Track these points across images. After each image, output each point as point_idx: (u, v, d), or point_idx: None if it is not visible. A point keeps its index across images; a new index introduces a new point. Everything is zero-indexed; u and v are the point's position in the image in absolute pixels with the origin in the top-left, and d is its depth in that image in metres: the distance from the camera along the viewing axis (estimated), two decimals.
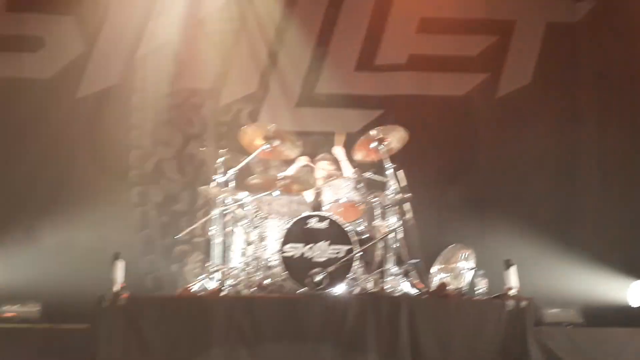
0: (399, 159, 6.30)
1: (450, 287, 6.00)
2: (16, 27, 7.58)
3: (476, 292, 6.06)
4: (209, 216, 6.40)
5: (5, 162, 7.32)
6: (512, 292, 5.84)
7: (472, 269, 6.11)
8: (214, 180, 6.29)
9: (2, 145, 7.35)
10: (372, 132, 6.22)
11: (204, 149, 7.20)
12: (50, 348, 5.53)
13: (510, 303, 5.49)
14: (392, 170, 6.10)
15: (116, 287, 5.45)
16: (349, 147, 6.71)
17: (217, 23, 7.81)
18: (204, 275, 6.07)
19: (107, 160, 7.61)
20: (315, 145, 7.39)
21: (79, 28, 7.66)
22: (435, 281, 6.18)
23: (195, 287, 5.95)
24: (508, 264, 6.03)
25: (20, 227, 7.22)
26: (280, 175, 6.25)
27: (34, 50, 7.61)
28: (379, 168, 6.25)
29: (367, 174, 6.27)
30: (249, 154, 6.38)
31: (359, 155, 6.44)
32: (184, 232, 6.78)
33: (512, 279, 5.98)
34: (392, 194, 6.09)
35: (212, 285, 5.92)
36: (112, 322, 5.18)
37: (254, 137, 6.35)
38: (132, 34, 7.72)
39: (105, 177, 7.54)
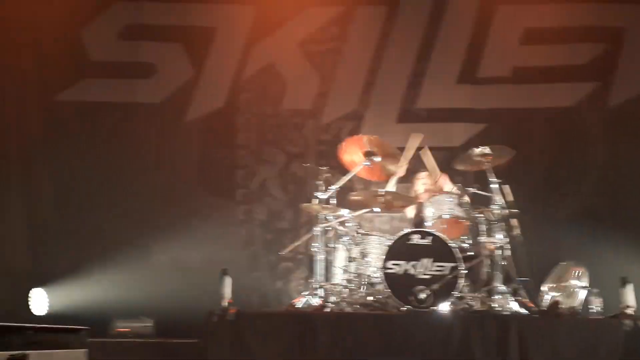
0: (505, 173, 6.14)
1: (563, 306, 5.75)
2: (130, 55, 8.00)
3: (590, 312, 5.79)
4: (311, 233, 6.47)
5: (119, 184, 7.70)
6: (629, 311, 5.55)
7: (585, 287, 5.83)
8: (316, 197, 6.36)
9: (116, 168, 7.74)
10: (476, 150, 6.09)
11: (307, 165, 7.30)
12: None
13: (628, 323, 5.20)
14: (497, 184, 5.95)
15: (224, 303, 5.60)
16: (451, 161, 6.61)
17: (317, 43, 7.93)
18: (307, 292, 6.12)
19: (215, 180, 7.88)
20: (417, 161, 7.31)
21: (187, 54, 7.99)
22: (545, 300, 5.94)
23: (299, 304, 6.01)
24: (624, 282, 5.74)
25: (134, 246, 7.56)
26: (381, 191, 6.22)
27: (146, 76, 8.00)
28: (483, 182, 6.11)
29: (471, 189, 6.14)
30: (349, 172, 6.41)
31: (460, 167, 6.34)
32: (287, 249, 6.89)
33: (629, 297, 5.68)
34: (498, 209, 5.93)
35: (315, 301, 5.96)
36: (221, 337, 5.32)
37: (353, 153, 6.38)
38: (236, 57, 7.97)
39: (212, 196, 7.80)
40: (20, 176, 7.73)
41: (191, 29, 7.99)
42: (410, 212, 6.58)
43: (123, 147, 7.75)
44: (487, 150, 6.07)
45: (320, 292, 6.04)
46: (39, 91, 7.90)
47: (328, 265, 6.23)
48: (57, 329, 3.15)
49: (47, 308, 7.12)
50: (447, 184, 6.57)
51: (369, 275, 5.96)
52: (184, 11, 7.99)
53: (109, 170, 7.70)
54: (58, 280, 7.23)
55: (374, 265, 5.97)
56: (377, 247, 6.07)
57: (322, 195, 6.30)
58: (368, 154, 6.31)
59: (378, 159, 6.34)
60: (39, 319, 6.86)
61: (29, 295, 7.14)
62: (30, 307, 7.08)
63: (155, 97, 7.97)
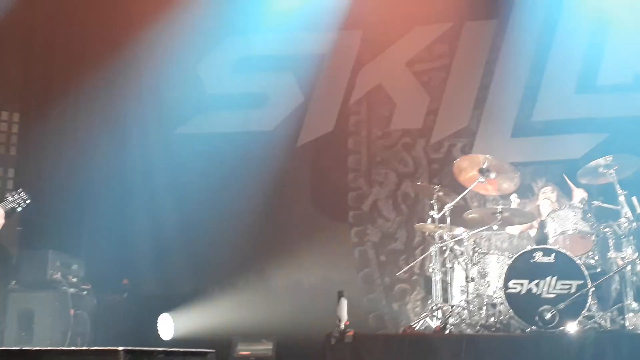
0: (632, 184, 5.79)
1: None
2: (242, 86, 8.28)
3: None
4: (426, 253, 6.36)
5: (236, 211, 7.92)
6: None
7: None
8: (430, 217, 6.26)
9: (233, 195, 7.97)
10: (600, 161, 5.80)
11: (420, 183, 7.20)
12: None
13: None
14: (624, 196, 5.62)
15: (342, 325, 5.60)
16: (571, 175, 6.32)
17: (425, 62, 7.88)
18: (425, 314, 6.01)
19: (327, 203, 7.94)
20: (534, 175, 7.06)
21: (297, 81, 8.16)
22: None
23: (417, 326, 5.91)
24: None
25: (252, 270, 7.73)
26: (499, 208, 6.03)
27: (258, 106, 8.24)
28: (608, 195, 5.79)
29: (597, 202, 5.83)
30: (463, 190, 6.27)
31: (584, 180, 6.04)
32: (403, 270, 6.80)
33: None
34: (626, 222, 5.60)
35: (434, 323, 5.84)
36: (340, 358, 5.31)
37: (468, 171, 6.24)
38: (344, 81, 8.06)
39: (325, 219, 7.86)
40: (146, 206, 8.12)
41: (300, 57, 8.16)
42: (532, 227, 6.33)
43: (238, 174, 7.97)
44: (611, 160, 5.76)
45: (439, 313, 5.91)
46: (159, 126, 8.32)
47: (445, 286, 6.10)
48: (186, 352, 3.25)
49: (173, 333, 7.37)
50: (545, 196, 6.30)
51: (489, 296, 5.77)
52: (293, 40, 8.18)
53: (227, 198, 7.94)
54: (182, 305, 7.49)
55: (494, 285, 5.78)
56: (496, 267, 5.89)
57: (436, 215, 6.19)
58: (483, 171, 6.15)
59: (493, 175, 6.16)
60: (166, 343, 7.12)
61: (157, 320, 7.42)
62: (158, 331, 7.36)
63: (267, 125, 8.17)
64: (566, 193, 6.40)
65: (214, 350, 3.49)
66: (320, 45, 8.10)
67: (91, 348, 3.06)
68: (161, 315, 7.37)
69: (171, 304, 7.46)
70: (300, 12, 7.90)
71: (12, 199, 4.52)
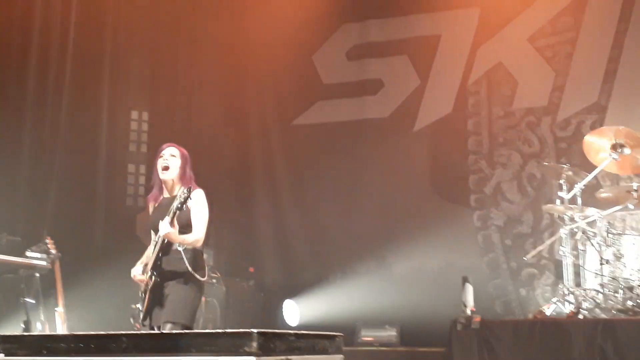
0: None
1: None
2: (358, 74, 8.28)
3: None
4: (556, 236, 6.08)
5: (356, 198, 7.95)
6: None
7: None
8: (559, 197, 5.97)
9: (352, 183, 8.00)
10: None
11: (547, 164, 6.89)
12: None
13: None
14: None
15: (468, 311, 5.47)
16: None
17: (548, 36, 7.51)
18: (556, 299, 5.74)
19: (447, 187, 7.79)
20: None
21: (413, 65, 8.06)
22: None
23: (548, 311, 5.66)
24: None
25: (373, 257, 7.73)
26: (635, 186, 5.64)
27: (374, 92, 8.21)
28: None
29: None
30: (593, 169, 5.92)
31: None
32: (531, 254, 6.53)
33: None
34: None
35: (566, 308, 5.57)
36: (467, 345, 5.20)
37: (599, 148, 5.88)
38: (461, 61, 7.85)
39: (446, 203, 7.71)
40: (268, 197, 8.32)
41: (415, 40, 8.05)
42: None
43: (357, 163, 8.00)
44: None
45: (571, 298, 5.63)
46: (277, 117, 8.50)
47: (577, 270, 5.81)
48: (316, 335, 3.30)
49: (299, 318, 7.52)
50: None
51: (625, 278, 5.43)
52: (407, 24, 8.10)
53: (346, 187, 7.99)
54: (306, 292, 7.62)
55: (630, 267, 5.44)
56: (632, 248, 5.53)
57: (565, 195, 5.89)
58: (616, 147, 5.77)
59: (628, 151, 5.77)
60: (293, 329, 7.27)
61: (282, 307, 7.60)
62: (284, 318, 7.54)
63: (383, 112, 8.13)
64: None
65: (342, 334, 3.53)
66: (435, 26, 7.95)
67: (227, 330, 3.17)
68: (286, 301, 7.54)
69: (295, 291, 7.61)
70: None
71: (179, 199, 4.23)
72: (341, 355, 3.46)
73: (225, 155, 8.63)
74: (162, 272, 4.34)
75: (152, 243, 4.48)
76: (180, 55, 8.66)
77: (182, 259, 4.29)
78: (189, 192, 4.20)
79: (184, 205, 4.23)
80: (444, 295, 6.43)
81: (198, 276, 4.36)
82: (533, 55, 7.56)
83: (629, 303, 5.29)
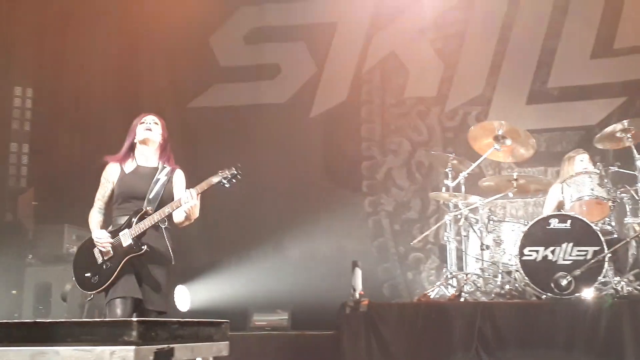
0: None
1: None
2: (255, 58, 8.22)
3: None
4: (441, 222, 6.33)
5: (250, 182, 7.87)
6: None
7: None
8: (445, 185, 6.21)
9: (247, 167, 7.91)
10: (617, 125, 5.70)
11: (434, 152, 7.14)
12: (299, 353, 5.84)
13: None
14: None
15: (356, 295, 5.60)
16: (588, 141, 6.24)
17: (439, 29, 7.76)
18: (440, 282, 5.99)
19: (340, 173, 7.91)
20: (550, 142, 6.98)
21: (310, 51, 8.10)
22: None
23: (432, 294, 5.90)
24: None
25: (268, 242, 7.74)
26: (515, 175, 5.96)
27: (271, 77, 8.19)
28: (625, 160, 5.70)
29: (613, 168, 5.74)
30: (478, 158, 6.20)
31: (600, 146, 5.95)
32: (417, 239, 6.78)
33: None
34: None
35: (449, 292, 5.82)
36: (355, 328, 5.32)
37: (483, 138, 6.17)
38: (357, 50, 7.97)
39: (339, 189, 7.84)
40: None
41: (313, 27, 8.09)
42: (550, 194, 6.25)
43: (253, 147, 7.96)
44: (627, 124, 5.66)
45: (454, 281, 5.89)
46: (172, 99, 8.30)
47: (460, 255, 6.08)
48: (200, 323, 3.27)
49: (190, 304, 7.43)
50: (582, 164, 6.18)
51: (504, 264, 5.74)
52: (305, 9, 8.12)
53: (242, 171, 7.89)
54: (198, 277, 7.53)
55: (509, 253, 5.74)
56: (512, 234, 5.83)
57: (450, 183, 6.14)
58: (498, 138, 6.07)
59: (509, 142, 6.08)
60: (184, 315, 7.19)
61: (173, 292, 7.47)
62: (175, 303, 7.41)
63: (280, 97, 8.13)
64: None
65: (228, 321, 3.52)
66: (332, 13, 8.02)
67: (105, 319, 3.08)
68: (177, 286, 7.42)
69: (187, 276, 7.51)
70: None
71: (222, 173, 4.28)
72: (227, 342, 3.46)
73: (116, 136, 8.31)
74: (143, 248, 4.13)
75: (127, 211, 4.24)
76: (69, 31, 8.27)
77: (164, 237, 4.21)
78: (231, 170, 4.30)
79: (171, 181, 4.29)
80: (336, 280, 6.54)
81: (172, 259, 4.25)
82: (424, 46, 7.80)
83: (507, 287, 5.58)
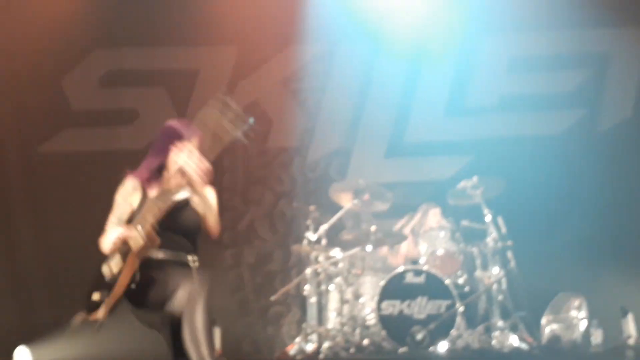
0: (496, 204, 6.02)
1: (564, 338, 5.59)
2: (111, 102, 7.88)
3: (591, 344, 5.63)
4: (302, 275, 6.30)
5: (99, 234, 7.50)
6: (631, 342, 5.41)
7: (585, 318, 5.67)
8: (306, 237, 6.20)
9: (100, 217, 7.53)
10: (466, 182, 5.99)
11: (296, 206, 7.15)
12: None
13: (630, 354, 5.04)
14: (490, 217, 5.83)
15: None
16: (441, 195, 6.50)
17: (301, 81, 7.86)
18: (300, 338, 5.93)
19: None
20: (407, 195, 7.20)
21: (170, 98, 7.87)
22: (546, 333, 5.77)
23: (292, 351, 5.81)
24: (624, 311, 5.60)
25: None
26: (373, 229, 6.08)
27: (128, 122, 7.88)
28: (475, 215, 5.99)
29: (465, 222, 6.01)
30: (339, 209, 6.27)
31: (453, 202, 6.22)
32: (278, 293, 6.69)
33: (630, 327, 5.55)
34: (492, 242, 5.80)
35: (309, 347, 5.77)
36: None
37: (343, 193, 6.27)
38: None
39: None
40: (1, 230, 7.53)
41: (173, 73, 7.89)
42: (404, 247, 6.43)
43: (106, 195, 7.55)
44: (477, 181, 5.97)
45: (314, 337, 5.85)
46: (20, 142, 7.75)
47: (321, 309, 6.06)
48: None
49: None
50: (435, 218, 6.42)
51: (363, 317, 5.78)
52: (165, 55, 7.90)
53: (92, 220, 7.49)
54: (43, 336, 6.97)
55: (368, 307, 5.80)
56: (370, 288, 5.92)
57: (312, 236, 6.14)
58: (357, 193, 6.19)
59: (366, 196, 6.22)
60: None
61: (13, 354, 6.87)
62: None
63: (138, 143, 7.81)
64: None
65: None
66: (194, 60, 7.88)
67: None
68: (17, 348, 6.84)
69: (30, 335, 6.93)
70: (172, 26, 7.63)
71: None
72: None
73: None
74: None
75: None
76: None
77: None
78: None
79: None
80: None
81: None
82: (286, 97, 7.84)
83: (366, 341, 5.62)
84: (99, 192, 7.48)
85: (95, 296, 3.65)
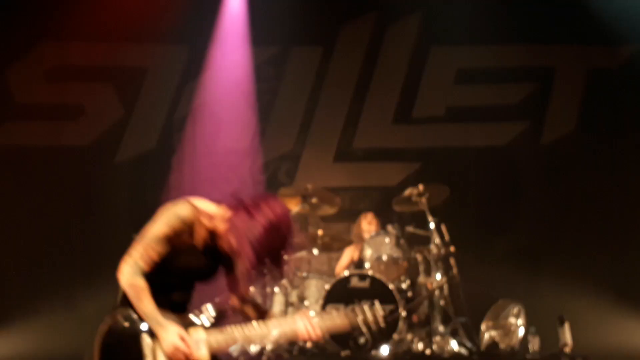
0: (441, 211, 6.12)
1: (501, 345, 5.72)
2: (56, 96, 7.71)
3: (528, 350, 5.77)
4: None
5: (45, 229, 7.33)
6: (567, 350, 5.56)
7: (523, 325, 5.81)
8: None
9: (42, 213, 7.36)
10: (412, 189, 6.08)
11: None
12: None
13: None
14: (434, 224, 5.92)
15: None
16: (388, 201, 6.57)
17: (252, 83, 7.84)
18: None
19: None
20: (354, 200, 7.27)
21: (117, 94, 7.76)
22: (485, 339, 5.89)
23: (235, 352, 5.77)
24: (561, 320, 5.76)
25: (59, 295, 7.14)
26: (319, 233, 6.11)
27: (73, 118, 7.72)
28: (420, 222, 6.08)
29: (409, 229, 6.09)
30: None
31: (398, 208, 6.30)
32: (222, 297, 6.63)
33: (567, 336, 5.71)
34: (435, 248, 5.89)
35: (252, 348, 5.74)
36: None
37: (291, 197, 6.28)
38: (169, 96, 7.79)
39: None
40: None
41: (122, 69, 7.77)
42: (348, 253, 6.48)
43: (49, 191, 7.39)
44: (422, 189, 6.06)
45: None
46: None
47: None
48: None
49: None
50: (369, 226, 6.49)
51: None
52: (114, 51, 7.76)
53: (35, 216, 7.32)
54: None
55: (312, 309, 5.81)
56: (315, 291, 5.93)
57: None
58: (305, 198, 6.22)
59: (314, 200, 6.25)
60: None
61: None
62: None
63: (83, 139, 7.67)
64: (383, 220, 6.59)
65: None
66: (143, 57, 7.77)
67: None
68: None
69: None
70: (121, 21, 7.49)
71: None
72: None
73: None
74: None
75: None
76: None
77: None
78: None
79: None
80: None
81: None
82: (237, 99, 7.80)
83: (308, 344, 5.62)
84: (41, 187, 7.41)
85: None
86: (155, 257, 2.93)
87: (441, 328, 5.73)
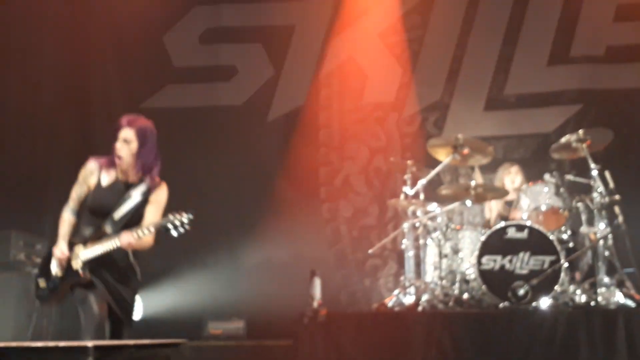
0: (604, 157, 5.77)
1: None
2: (210, 59, 8.04)
3: None
4: (399, 230, 6.30)
5: (206, 187, 7.74)
6: None
7: None
8: (403, 192, 6.18)
9: (202, 171, 7.77)
10: (572, 135, 5.75)
11: (393, 159, 7.11)
12: None
13: None
14: (597, 171, 5.59)
15: (315, 304, 5.52)
16: (544, 149, 6.29)
17: (397, 34, 7.72)
18: (398, 290, 5.96)
19: (299, 179, 7.79)
20: (507, 149, 7.02)
21: (267, 54, 7.96)
22: None
23: (390, 302, 5.86)
24: None
25: (223, 248, 7.57)
26: (473, 183, 5.97)
27: (227, 79, 8.02)
28: (581, 169, 5.76)
29: (569, 177, 5.80)
30: (436, 164, 6.19)
31: (557, 155, 6.00)
32: (376, 247, 6.73)
33: None
34: (598, 197, 5.57)
35: (407, 300, 5.80)
36: (313, 339, 5.24)
37: (441, 148, 6.17)
38: (315, 53, 7.88)
39: (297, 195, 7.71)
40: None
41: (270, 29, 7.96)
42: (496, 204, 6.30)
43: (208, 150, 7.78)
44: (583, 134, 5.72)
45: (412, 290, 5.87)
46: (124, 98, 8.04)
47: (419, 262, 6.06)
48: (157, 345, 3.16)
49: (142, 312, 7.20)
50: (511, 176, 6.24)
51: (462, 272, 5.74)
52: (262, 11, 7.97)
53: (196, 174, 7.76)
54: (150, 284, 7.32)
55: (467, 261, 5.75)
56: (469, 242, 5.84)
57: (409, 190, 6.11)
58: (456, 147, 6.07)
59: (466, 150, 6.09)
60: (136, 323, 6.98)
61: None
62: None
63: (237, 99, 7.97)
64: (534, 172, 6.32)
65: (184, 341, 3.40)
66: (290, 15, 7.90)
67: (59, 344, 2.90)
68: None
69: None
70: None
71: (172, 218, 4.06)
72: None
73: (65, 136, 8.03)
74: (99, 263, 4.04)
75: (92, 224, 4.09)
76: (15, 29, 7.91)
77: (128, 253, 4.11)
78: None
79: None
80: (293, 287, 6.42)
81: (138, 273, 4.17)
82: (383, 51, 7.75)
83: (465, 295, 5.59)
84: (201, 146, 7.82)
85: (42, 284, 4.16)
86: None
87: (606, 279, 5.45)
